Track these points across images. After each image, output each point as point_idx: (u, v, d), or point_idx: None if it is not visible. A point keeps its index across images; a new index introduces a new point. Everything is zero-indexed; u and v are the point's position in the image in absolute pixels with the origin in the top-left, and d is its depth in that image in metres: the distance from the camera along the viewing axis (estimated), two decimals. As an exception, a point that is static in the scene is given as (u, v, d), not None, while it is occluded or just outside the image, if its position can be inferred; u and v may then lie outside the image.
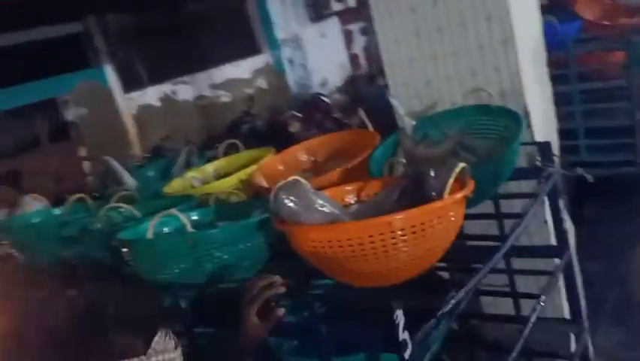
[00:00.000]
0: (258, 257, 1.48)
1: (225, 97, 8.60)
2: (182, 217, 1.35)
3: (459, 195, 1.22)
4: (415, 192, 1.44)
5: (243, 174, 1.99)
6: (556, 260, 1.84)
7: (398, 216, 1.16)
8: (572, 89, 3.52)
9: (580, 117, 3.93)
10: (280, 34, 9.71)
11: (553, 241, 1.99)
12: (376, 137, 1.92)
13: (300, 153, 2.16)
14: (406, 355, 1.04)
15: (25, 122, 6.50)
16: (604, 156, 4.00)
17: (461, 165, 1.22)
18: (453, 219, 1.25)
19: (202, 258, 1.36)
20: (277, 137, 7.98)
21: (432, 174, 1.39)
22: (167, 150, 6.48)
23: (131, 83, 7.28)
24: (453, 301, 1.18)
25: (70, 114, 6.69)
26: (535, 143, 1.95)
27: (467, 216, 1.33)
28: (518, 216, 1.81)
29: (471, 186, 1.26)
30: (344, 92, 10.75)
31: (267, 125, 8.34)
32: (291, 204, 1.26)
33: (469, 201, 1.28)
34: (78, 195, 2.00)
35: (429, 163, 1.44)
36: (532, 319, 1.53)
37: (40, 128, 6.37)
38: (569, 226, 1.85)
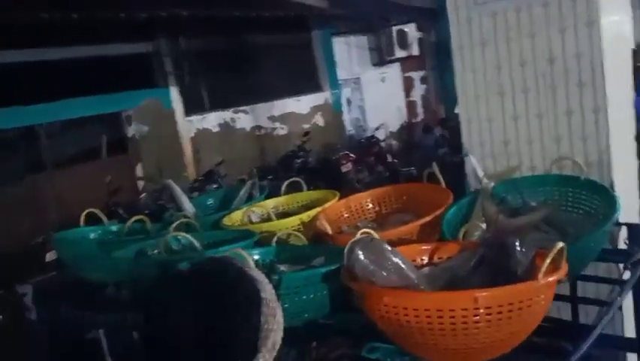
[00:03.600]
0: (318, 310, 1.40)
1: (282, 130, 8.69)
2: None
3: (554, 278, 1.11)
4: (496, 262, 1.34)
5: (305, 216, 1.92)
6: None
7: (485, 293, 1.06)
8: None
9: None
10: (341, 74, 9.84)
11: (629, 331, 1.81)
12: (449, 195, 1.82)
13: (366, 201, 2.08)
14: None
15: (88, 133, 6.72)
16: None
17: (560, 244, 1.11)
18: (543, 303, 1.13)
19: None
20: (328, 175, 7.97)
21: (518, 246, 1.29)
22: (220, 176, 6.56)
23: (192, 107, 7.47)
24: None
25: (131, 130, 6.91)
26: (621, 223, 1.80)
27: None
28: (596, 302, 1.68)
29: (565, 269, 1.14)
30: (398, 138, 10.72)
31: (319, 161, 8.37)
32: (367, 262, 1.18)
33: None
34: (138, 217, 1.98)
35: (514, 234, 1.33)
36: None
37: (101, 141, 6.57)
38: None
